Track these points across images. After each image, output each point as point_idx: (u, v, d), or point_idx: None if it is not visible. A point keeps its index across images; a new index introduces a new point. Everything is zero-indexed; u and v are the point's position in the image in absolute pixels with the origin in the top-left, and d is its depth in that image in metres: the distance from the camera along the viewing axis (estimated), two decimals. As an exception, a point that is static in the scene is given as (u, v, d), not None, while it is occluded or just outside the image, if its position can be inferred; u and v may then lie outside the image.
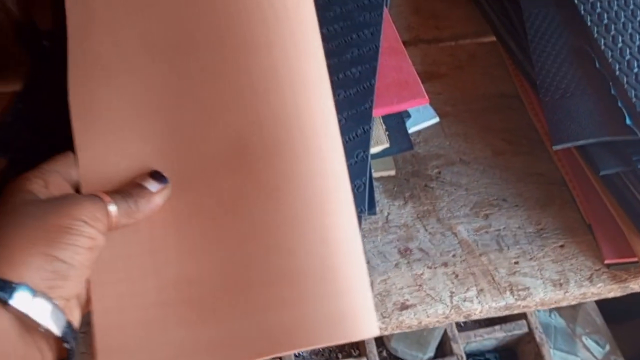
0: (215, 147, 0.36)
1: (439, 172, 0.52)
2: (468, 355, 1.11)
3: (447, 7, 0.65)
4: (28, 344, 0.29)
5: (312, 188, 0.34)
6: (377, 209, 0.50)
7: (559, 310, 1.18)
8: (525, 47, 0.53)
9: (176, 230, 0.35)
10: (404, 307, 0.44)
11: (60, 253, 0.29)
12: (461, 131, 0.55)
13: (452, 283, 0.45)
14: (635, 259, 0.46)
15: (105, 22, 0.39)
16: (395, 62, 0.49)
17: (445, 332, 1.04)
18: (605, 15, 0.51)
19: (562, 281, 0.45)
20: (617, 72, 0.47)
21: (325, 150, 0.35)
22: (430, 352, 1.06)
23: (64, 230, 0.30)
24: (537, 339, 1.04)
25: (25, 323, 0.29)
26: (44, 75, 0.49)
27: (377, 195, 0.51)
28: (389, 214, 0.49)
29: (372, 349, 1.02)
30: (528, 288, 0.45)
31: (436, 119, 0.51)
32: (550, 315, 1.18)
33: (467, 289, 0.45)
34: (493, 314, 0.45)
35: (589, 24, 0.50)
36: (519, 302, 0.45)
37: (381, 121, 0.48)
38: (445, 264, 0.46)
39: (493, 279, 0.45)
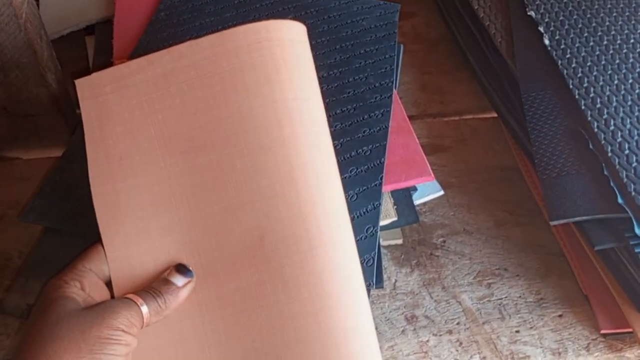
0: (235, 240, 0.39)
1: (444, 241, 0.56)
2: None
3: (451, 84, 0.70)
4: None
5: (329, 280, 0.37)
6: (385, 275, 0.53)
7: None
8: (524, 125, 0.57)
9: (202, 321, 0.38)
10: (410, 373, 0.47)
11: None
12: (465, 202, 0.59)
13: (457, 351, 0.48)
14: (630, 329, 0.48)
15: (122, 121, 0.41)
16: (403, 140, 0.53)
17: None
18: (599, 100, 0.55)
19: (560, 350, 0.48)
20: (610, 154, 0.51)
21: (339, 242, 0.38)
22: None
23: (104, 341, 0.33)
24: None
25: None
26: (80, 148, 0.53)
27: (385, 263, 0.54)
28: (396, 281, 0.53)
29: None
30: (528, 356, 0.47)
31: (441, 192, 0.55)
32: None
33: (471, 357, 0.47)
34: (495, 381, 0.48)
35: (582, 107, 0.55)
36: (520, 370, 0.47)
37: (389, 195, 0.52)
38: (450, 332, 0.49)
39: (495, 347, 0.48)
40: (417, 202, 0.54)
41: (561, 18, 0.63)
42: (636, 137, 0.52)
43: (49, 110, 0.61)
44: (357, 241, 0.44)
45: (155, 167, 0.41)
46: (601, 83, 0.56)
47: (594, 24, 0.62)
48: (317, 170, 0.39)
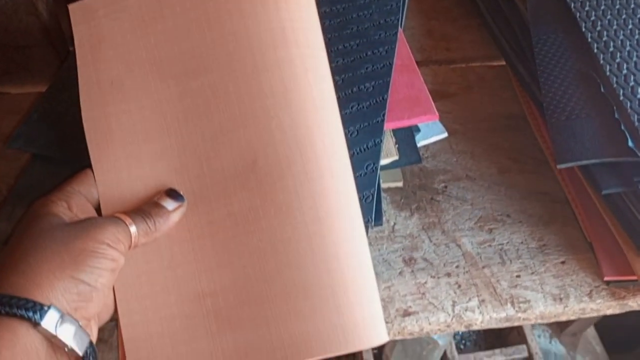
0: (227, 164, 0.37)
1: (446, 187, 0.54)
2: (467, 378, 1.11)
3: (458, 31, 0.68)
4: None
5: (323, 206, 0.36)
6: (384, 219, 0.51)
7: (559, 337, 1.18)
8: (533, 71, 0.55)
9: (194, 246, 0.37)
10: (406, 313, 0.45)
11: (85, 276, 0.31)
12: (468, 149, 0.57)
13: (455, 293, 0.46)
14: (635, 277, 0.47)
15: (115, 45, 0.40)
16: (407, 79, 0.51)
17: (445, 354, 1.04)
18: (612, 43, 0.53)
19: (562, 296, 0.47)
20: (621, 97, 0.49)
21: (335, 169, 0.37)
22: (430, 373, 1.06)
23: (89, 253, 0.32)
24: (537, 364, 1.04)
25: (52, 343, 0.30)
26: (69, 77, 0.51)
27: (385, 206, 0.52)
28: (395, 224, 0.51)
29: (372, 367, 1.02)
30: (529, 301, 0.46)
31: (444, 134, 0.53)
32: (550, 342, 1.18)
33: (469, 299, 0.46)
34: (494, 325, 0.46)
35: (595, 50, 0.52)
36: (519, 314, 0.46)
37: (391, 134, 0.50)
38: (448, 274, 0.48)
39: (495, 290, 0.47)
40: (419, 144, 0.52)
41: (576, -37, 0.61)
42: (649, 82, 0.50)
43: (39, 41, 0.59)
44: (356, 178, 0.42)
45: (147, 92, 0.39)
46: (615, 27, 0.54)
47: (609, -30, 0.60)
48: (313, 95, 0.37)
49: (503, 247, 0.50)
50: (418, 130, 0.52)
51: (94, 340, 0.33)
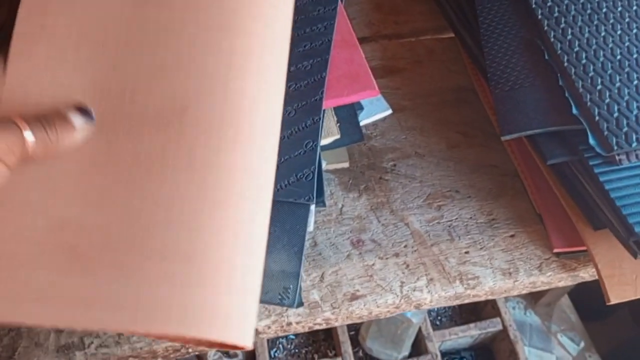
0: (154, 102, 0.34)
1: (394, 165, 0.53)
2: (444, 354, 1.11)
3: (407, 4, 0.66)
4: None
5: (239, 182, 0.33)
6: (332, 201, 0.50)
7: (534, 307, 1.19)
8: (479, 42, 0.53)
9: (82, 174, 0.34)
10: (354, 297, 0.44)
11: None
12: (417, 125, 0.55)
13: (403, 273, 0.45)
14: (584, 248, 0.46)
15: None
16: (347, 55, 0.49)
17: (420, 331, 1.04)
18: (556, 9, 0.52)
19: (511, 270, 0.46)
20: (566, 64, 0.48)
21: (264, 153, 0.35)
22: (405, 351, 1.06)
23: None
24: (511, 337, 1.04)
25: None
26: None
27: (332, 188, 0.51)
28: (343, 205, 0.50)
29: (348, 349, 1.02)
30: (478, 277, 0.45)
31: (389, 111, 0.52)
32: (525, 313, 1.19)
33: (417, 279, 0.45)
34: (443, 304, 0.46)
35: (539, 16, 0.51)
36: (468, 291, 0.45)
37: (333, 113, 0.48)
38: (396, 255, 0.46)
39: (443, 268, 0.46)
40: (363, 122, 0.50)
41: None
42: (594, 46, 0.49)
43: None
44: (295, 156, 0.41)
45: (92, 3, 0.36)
46: (560, -8, 0.53)
47: None
48: (270, 71, 0.35)
49: (452, 223, 0.48)
50: (361, 108, 0.50)
51: None
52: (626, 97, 0.46)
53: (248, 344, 0.31)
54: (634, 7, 0.52)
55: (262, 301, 0.39)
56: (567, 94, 0.46)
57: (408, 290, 0.44)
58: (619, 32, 0.50)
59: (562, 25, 0.50)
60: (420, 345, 1.05)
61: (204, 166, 0.33)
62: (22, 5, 0.36)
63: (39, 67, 0.35)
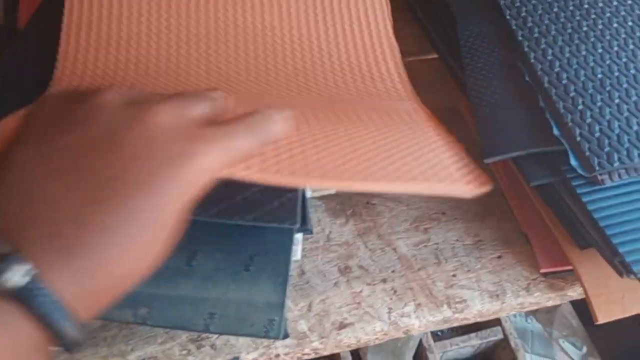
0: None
1: (381, 189, 0.53)
2: (447, 364, 1.11)
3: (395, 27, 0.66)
4: None
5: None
6: (319, 227, 0.50)
7: (535, 314, 1.19)
8: (462, 64, 0.54)
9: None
10: (342, 326, 0.44)
11: None
12: (404, 147, 0.56)
13: (391, 299, 0.46)
14: (570, 267, 0.46)
15: None
16: (330, 82, 0.50)
17: (420, 342, 1.04)
18: (536, 29, 0.52)
19: (498, 292, 0.46)
20: (546, 85, 0.48)
21: None
22: (407, 363, 1.06)
23: None
24: (512, 345, 1.04)
25: None
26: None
27: (319, 214, 0.51)
28: (330, 232, 0.50)
29: (349, 363, 1.02)
30: (465, 300, 0.46)
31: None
32: (526, 320, 1.19)
33: (405, 305, 0.45)
34: (432, 328, 0.46)
35: (519, 38, 0.51)
36: (456, 315, 0.45)
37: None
38: (384, 280, 0.47)
39: (431, 292, 0.46)
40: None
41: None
42: (575, 66, 0.49)
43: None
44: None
45: None
46: (539, 12, 0.53)
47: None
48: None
49: (439, 246, 0.49)
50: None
51: None
52: (607, 117, 0.46)
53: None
54: (614, 25, 0.52)
55: (247, 334, 0.39)
56: (548, 115, 0.47)
57: (396, 317, 0.45)
58: (599, 50, 0.50)
59: (543, 46, 0.51)
60: (421, 357, 1.05)
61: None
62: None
63: None
